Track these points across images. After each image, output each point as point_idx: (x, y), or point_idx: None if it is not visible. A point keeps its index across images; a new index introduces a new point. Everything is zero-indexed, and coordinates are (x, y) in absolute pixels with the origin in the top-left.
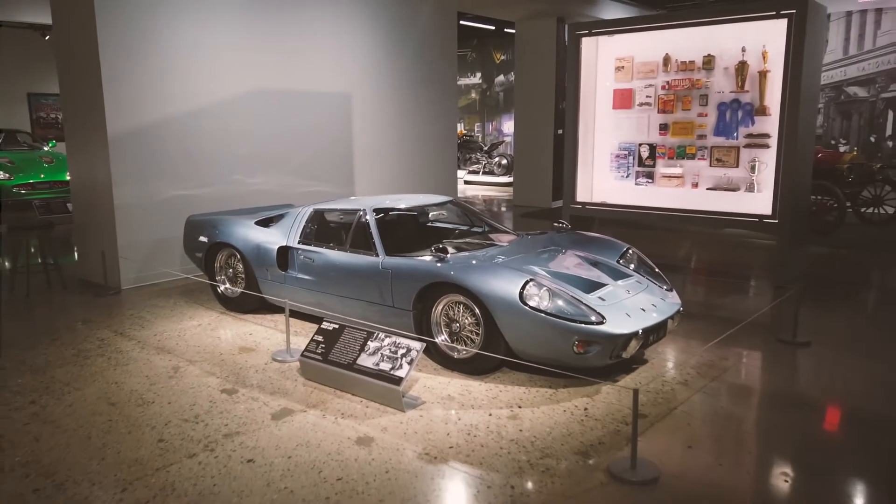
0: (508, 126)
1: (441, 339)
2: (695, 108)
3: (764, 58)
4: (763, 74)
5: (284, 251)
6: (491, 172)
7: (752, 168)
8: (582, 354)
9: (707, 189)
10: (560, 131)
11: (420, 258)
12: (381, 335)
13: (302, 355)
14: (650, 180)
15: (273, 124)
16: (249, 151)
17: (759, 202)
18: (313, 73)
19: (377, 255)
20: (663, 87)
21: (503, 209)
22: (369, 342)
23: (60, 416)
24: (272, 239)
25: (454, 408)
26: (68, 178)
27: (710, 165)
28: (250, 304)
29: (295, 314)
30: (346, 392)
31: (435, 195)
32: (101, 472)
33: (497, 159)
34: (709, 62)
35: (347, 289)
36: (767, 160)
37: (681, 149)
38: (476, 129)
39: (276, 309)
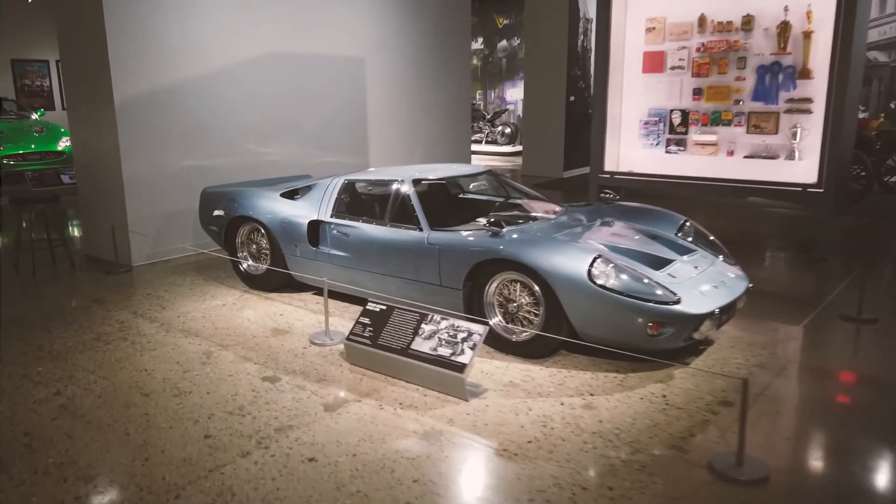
0: (511, 94)
1: (496, 320)
2: (732, 71)
3: (808, 18)
4: (807, 35)
5: (315, 225)
6: (494, 142)
7: (794, 135)
8: (654, 337)
9: (744, 157)
10: (572, 98)
11: (471, 232)
12: (437, 317)
13: (347, 339)
14: (682, 148)
15: (285, 92)
16: (262, 121)
17: (801, 170)
18: (326, 38)
19: (421, 230)
20: (698, 50)
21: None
22: (423, 325)
23: (91, 409)
24: (301, 213)
25: (520, 396)
26: (60, 148)
27: (748, 132)
28: (275, 281)
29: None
30: (398, 379)
31: (471, 165)
32: (147, 475)
33: (500, 128)
34: (748, 23)
35: (387, 265)
36: (810, 126)
37: (715, 114)
38: (478, 97)
39: (302, 287)
